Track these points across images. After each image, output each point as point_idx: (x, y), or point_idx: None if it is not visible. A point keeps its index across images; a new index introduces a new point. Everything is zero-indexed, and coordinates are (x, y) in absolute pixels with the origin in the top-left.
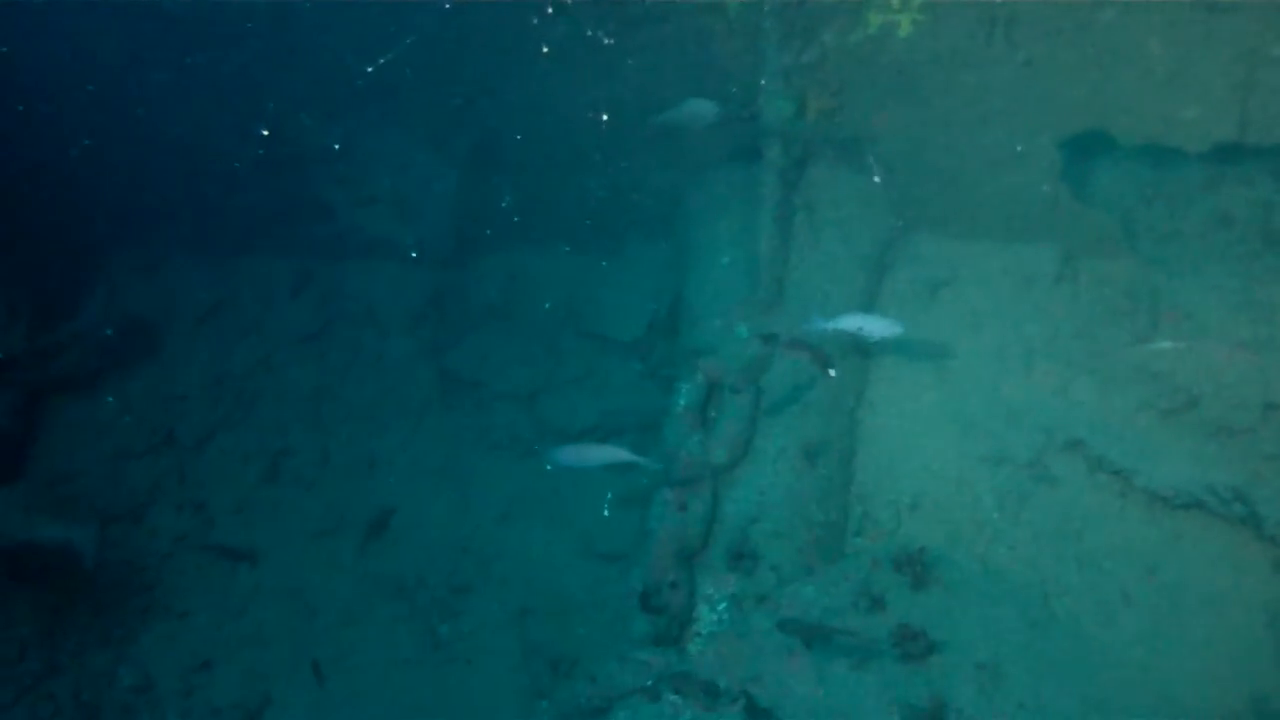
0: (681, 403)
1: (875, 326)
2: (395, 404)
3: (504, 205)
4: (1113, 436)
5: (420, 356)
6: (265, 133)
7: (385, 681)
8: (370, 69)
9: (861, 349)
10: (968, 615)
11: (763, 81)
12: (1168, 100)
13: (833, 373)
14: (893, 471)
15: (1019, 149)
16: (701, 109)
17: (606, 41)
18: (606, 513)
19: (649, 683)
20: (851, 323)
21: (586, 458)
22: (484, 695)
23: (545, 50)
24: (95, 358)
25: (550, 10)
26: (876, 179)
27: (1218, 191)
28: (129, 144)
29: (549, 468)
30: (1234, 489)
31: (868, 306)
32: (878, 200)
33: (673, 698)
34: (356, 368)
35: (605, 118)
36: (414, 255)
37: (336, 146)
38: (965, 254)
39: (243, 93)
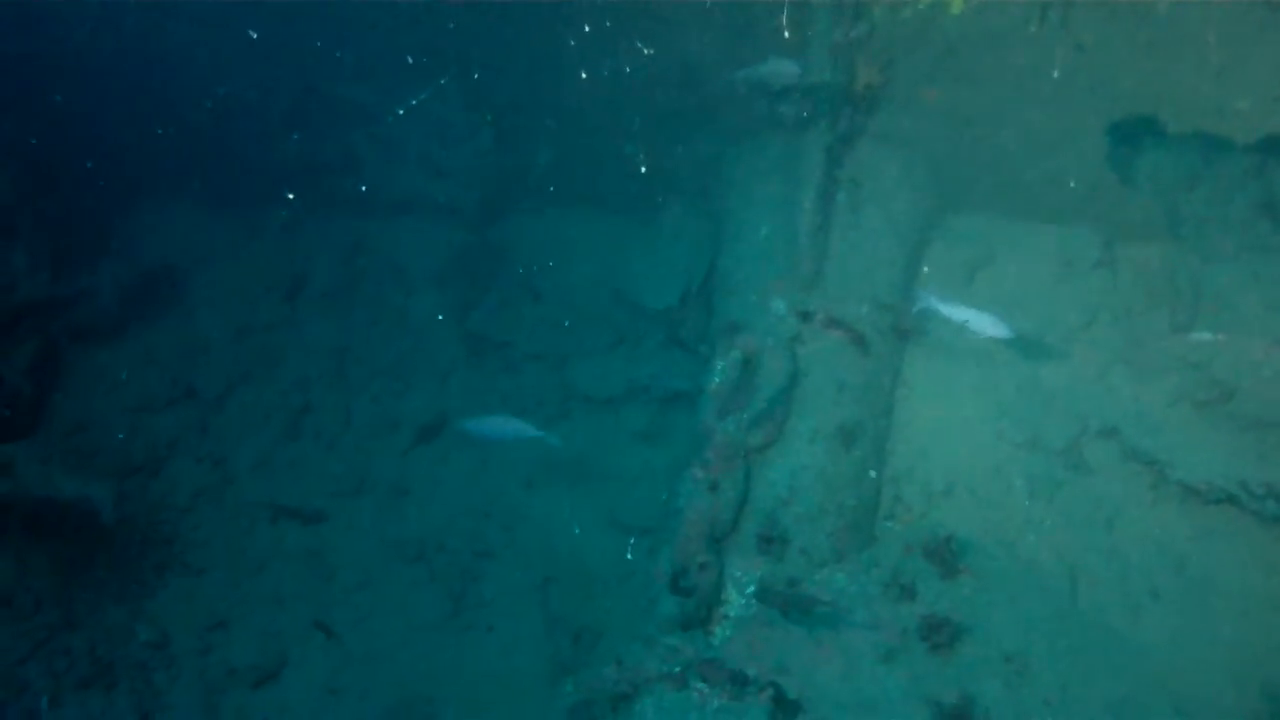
0: (716, 380)
1: (983, 323)
2: (420, 363)
3: (539, 166)
4: (1147, 426)
5: (447, 315)
6: (298, 86)
7: (404, 646)
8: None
9: (900, 330)
10: (996, 606)
11: (811, 55)
12: (1220, 91)
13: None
14: (926, 454)
15: (1065, 132)
16: (784, 68)
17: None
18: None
19: (676, 669)
20: (960, 313)
21: (493, 430)
22: (504, 664)
23: (586, 15)
24: (117, 307)
25: None
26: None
27: (1263, 180)
28: (157, 93)
29: (458, 436)
30: (1267, 486)
31: (908, 285)
32: (921, 178)
33: (700, 685)
34: (382, 325)
35: (645, 83)
36: (446, 213)
37: (370, 102)
38: (1005, 234)
39: (274, 45)
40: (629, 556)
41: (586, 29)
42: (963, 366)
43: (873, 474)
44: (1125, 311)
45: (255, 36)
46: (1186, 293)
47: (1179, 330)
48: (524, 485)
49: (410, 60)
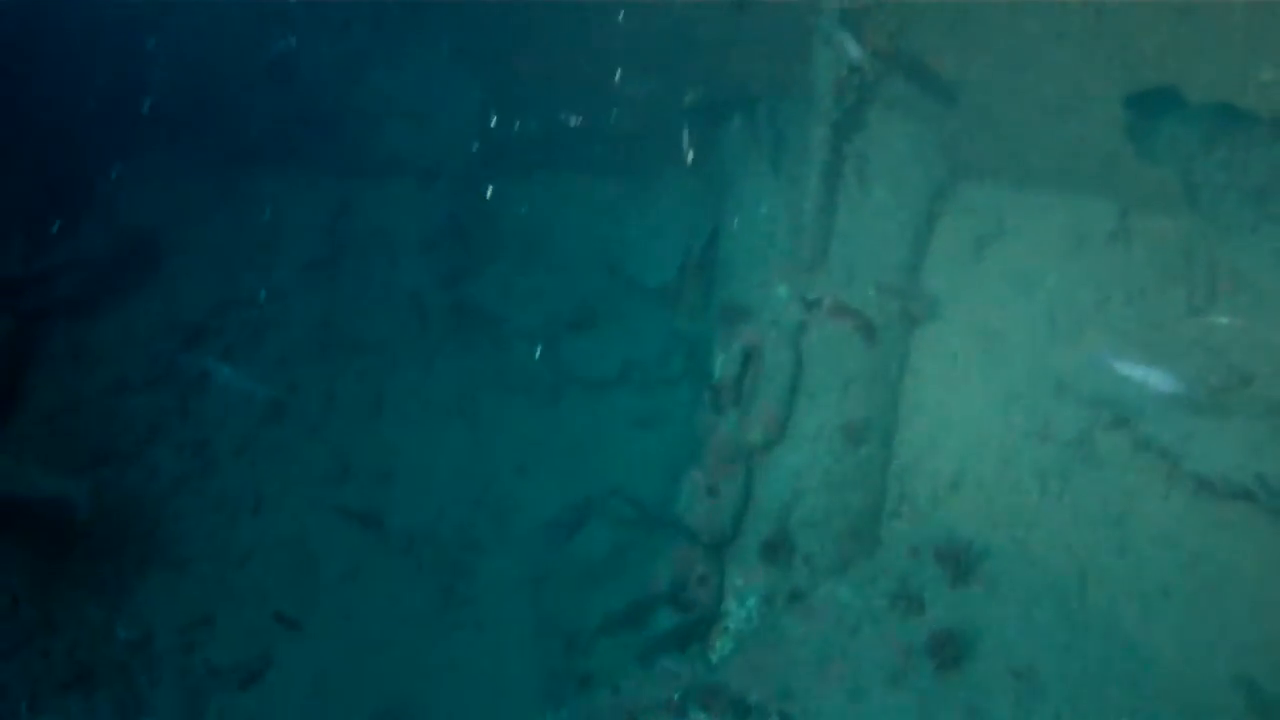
0: (716, 375)
1: (1159, 379)
2: (407, 338)
3: (531, 127)
4: (1161, 414)
5: (435, 286)
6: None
7: (391, 644)
8: None
9: (908, 315)
10: (1006, 614)
11: (818, 22)
12: (1245, 61)
13: None
14: (933, 447)
15: (1081, 101)
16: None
17: None
18: None
19: (675, 696)
20: (1136, 370)
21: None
22: (494, 665)
23: None
24: (94, 282)
25: None
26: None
27: None
28: (128, 50)
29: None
30: None
31: (916, 265)
32: (930, 151)
33: (699, 716)
34: (367, 297)
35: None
36: (433, 176)
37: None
38: (1016, 205)
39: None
40: (625, 552)
41: None
42: (971, 351)
43: (879, 474)
44: (1140, 291)
45: None
46: (1203, 271)
47: (1196, 312)
48: (516, 471)
49: (397, 13)
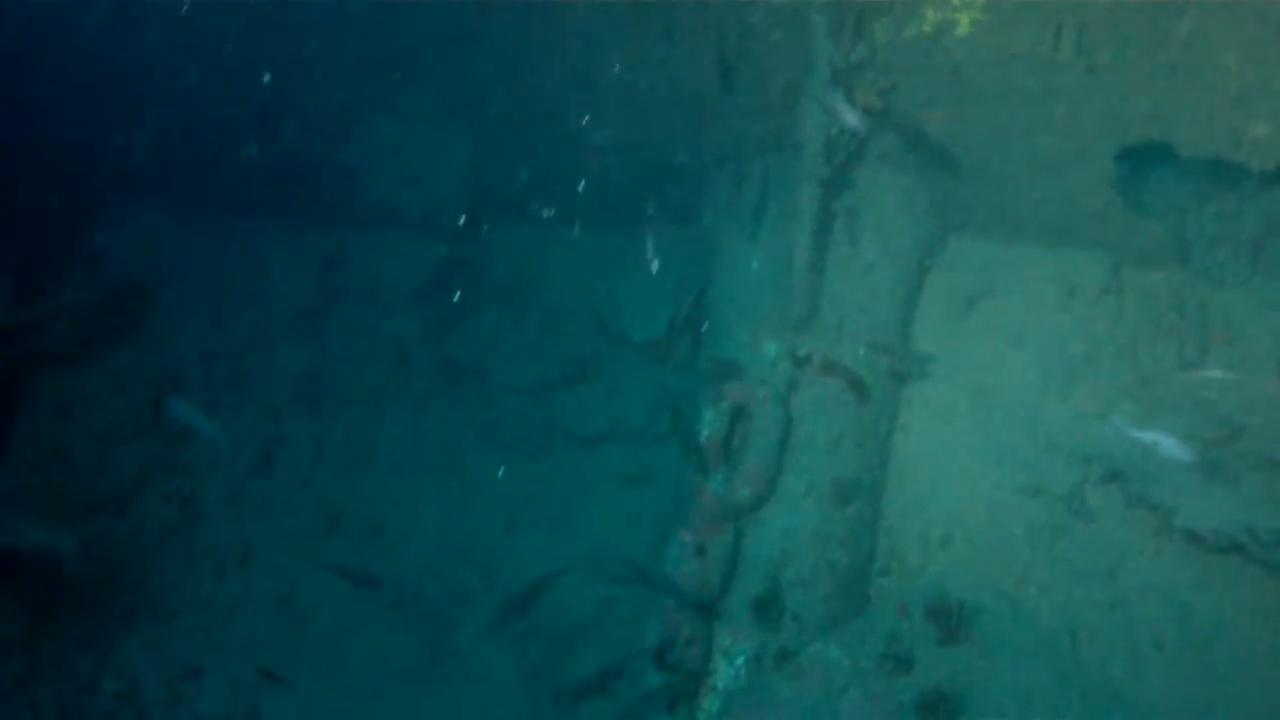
0: (704, 434)
1: (1174, 449)
2: (396, 391)
3: (519, 179)
4: (1153, 469)
5: (424, 339)
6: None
7: (379, 697)
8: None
9: (897, 373)
10: (997, 672)
11: (807, 80)
12: (1238, 116)
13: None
14: (923, 504)
15: (1074, 156)
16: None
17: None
18: None
19: None
20: (1148, 436)
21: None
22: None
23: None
24: (82, 331)
25: None
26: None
27: (1275, 194)
28: (117, 99)
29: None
30: (1276, 534)
31: (907, 321)
32: (921, 206)
33: None
34: (355, 349)
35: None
36: (423, 226)
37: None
38: (1007, 260)
39: (245, 50)
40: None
41: (573, 38)
42: (962, 407)
43: (868, 532)
44: (1131, 344)
45: (226, 40)
46: (1195, 324)
47: (1188, 367)
48: (504, 527)
49: (387, 67)
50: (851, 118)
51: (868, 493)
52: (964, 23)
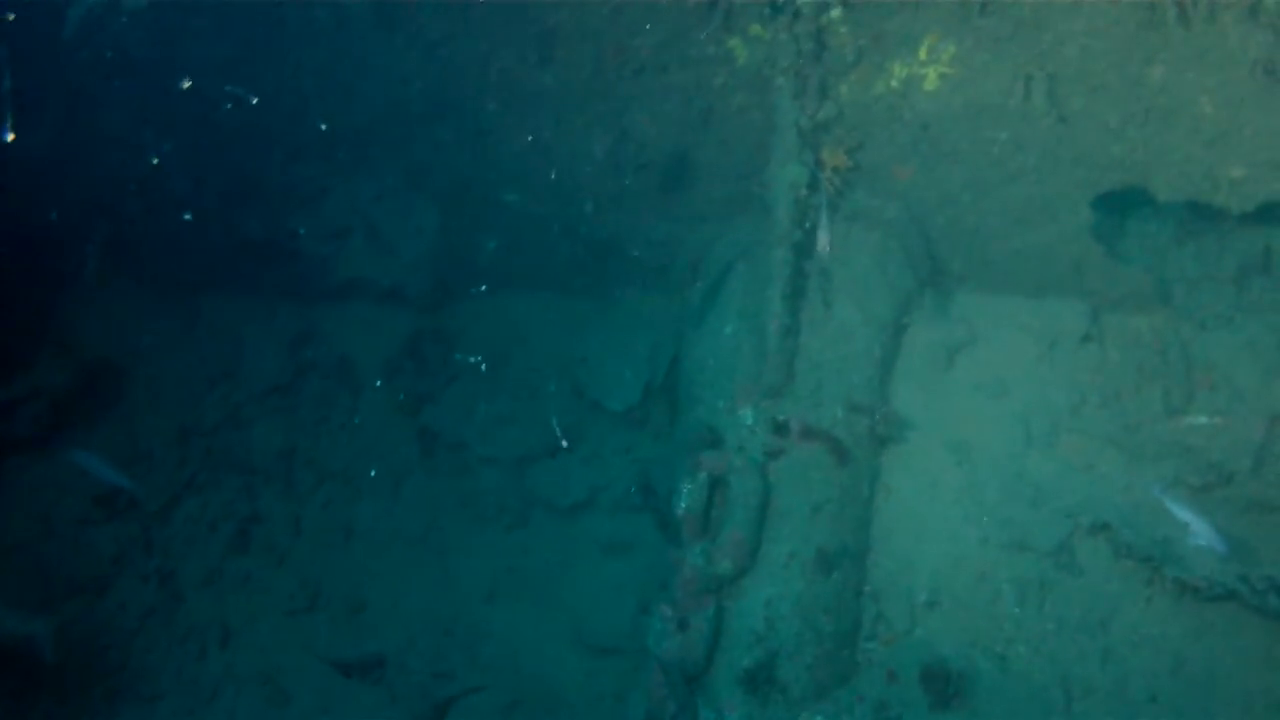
0: (682, 505)
1: (1203, 533)
2: (372, 466)
3: (489, 248)
4: (1141, 519)
5: (398, 412)
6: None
7: None
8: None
9: (877, 435)
10: None
11: (773, 141)
12: (1214, 159)
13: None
14: (909, 565)
15: (1048, 205)
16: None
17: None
18: None
19: None
20: (1184, 515)
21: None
22: None
23: (539, 95)
24: (54, 413)
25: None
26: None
27: (1258, 230)
28: (86, 177)
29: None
30: (1269, 579)
31: (885, 380)
32: (896, 262)
33: None
34: (330, 424)
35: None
36: (393, 298)
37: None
38: (986, 312)
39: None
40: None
41: (540, 109)
42: (944, 465)
43: (853, 597)
44: (1115, 393)
45: (189, 118)
46: (1179, 369)
47: (1173, 413)
48: (486, 599)
49: (352, 137)
50: (824, 242)
51: (851, 558)
52: (931, 77)
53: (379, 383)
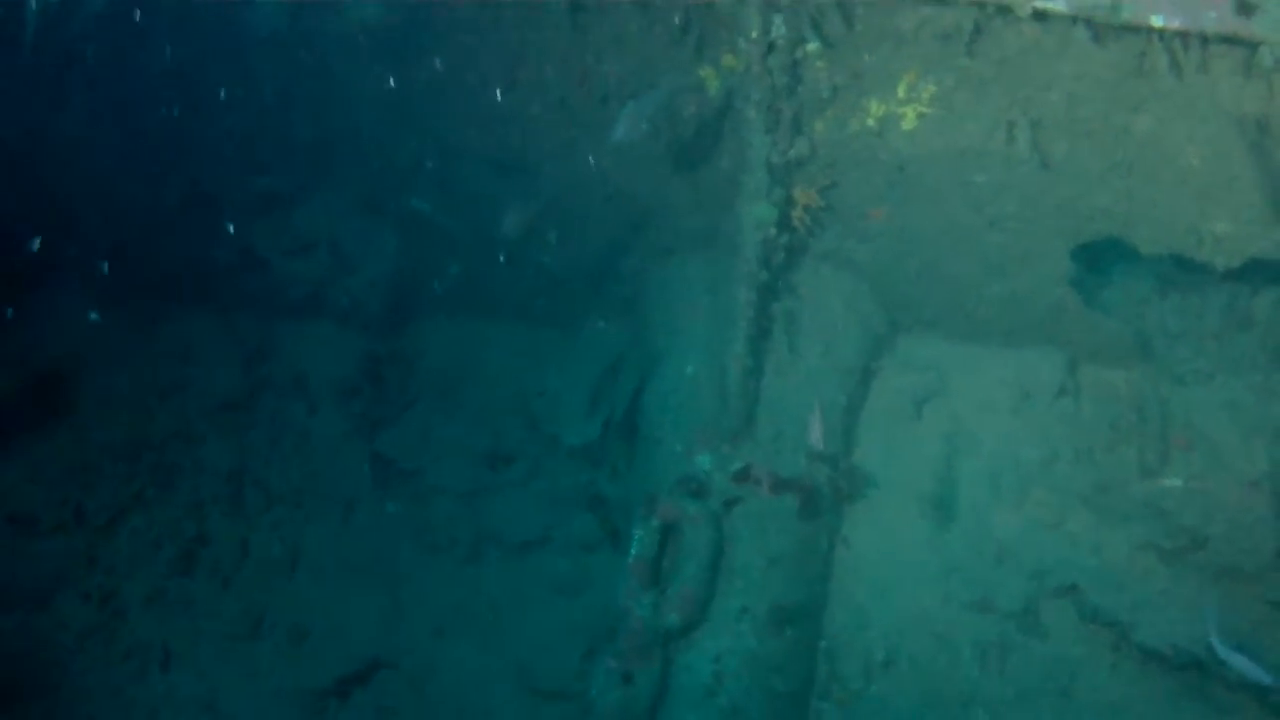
0: (632, 553)
1: (1248, 668)
2: (323, 490)
3: (449, 272)
4: (1109, 582)
5: (352, 435)
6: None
7: None
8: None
9: (838, 488)
10: None
11: (742, 178)
12: (1200, 213)
13: None
14: (866, 621)
15: (1027, 253)
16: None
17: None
18: None
19: None
20: (1236, 660)
21: None
22: None
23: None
24: (0, 421)
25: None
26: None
27: (1241, 287)
28: (38, 184)
29: None
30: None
31: (849, 429)
32: (865, 307)
33: None
34: (282, 445)
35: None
36: (351, 317)
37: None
38: (958, 360)
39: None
40: None
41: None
42: (908, 519)
43: (807, 654)
44: (1088, 449)
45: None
46: (1155, 427)
47: (1148, 474)
48: (435, 633)
49: (311, 157)
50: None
51: (807, 613)
52: (910, 117)
53: (334, 404)
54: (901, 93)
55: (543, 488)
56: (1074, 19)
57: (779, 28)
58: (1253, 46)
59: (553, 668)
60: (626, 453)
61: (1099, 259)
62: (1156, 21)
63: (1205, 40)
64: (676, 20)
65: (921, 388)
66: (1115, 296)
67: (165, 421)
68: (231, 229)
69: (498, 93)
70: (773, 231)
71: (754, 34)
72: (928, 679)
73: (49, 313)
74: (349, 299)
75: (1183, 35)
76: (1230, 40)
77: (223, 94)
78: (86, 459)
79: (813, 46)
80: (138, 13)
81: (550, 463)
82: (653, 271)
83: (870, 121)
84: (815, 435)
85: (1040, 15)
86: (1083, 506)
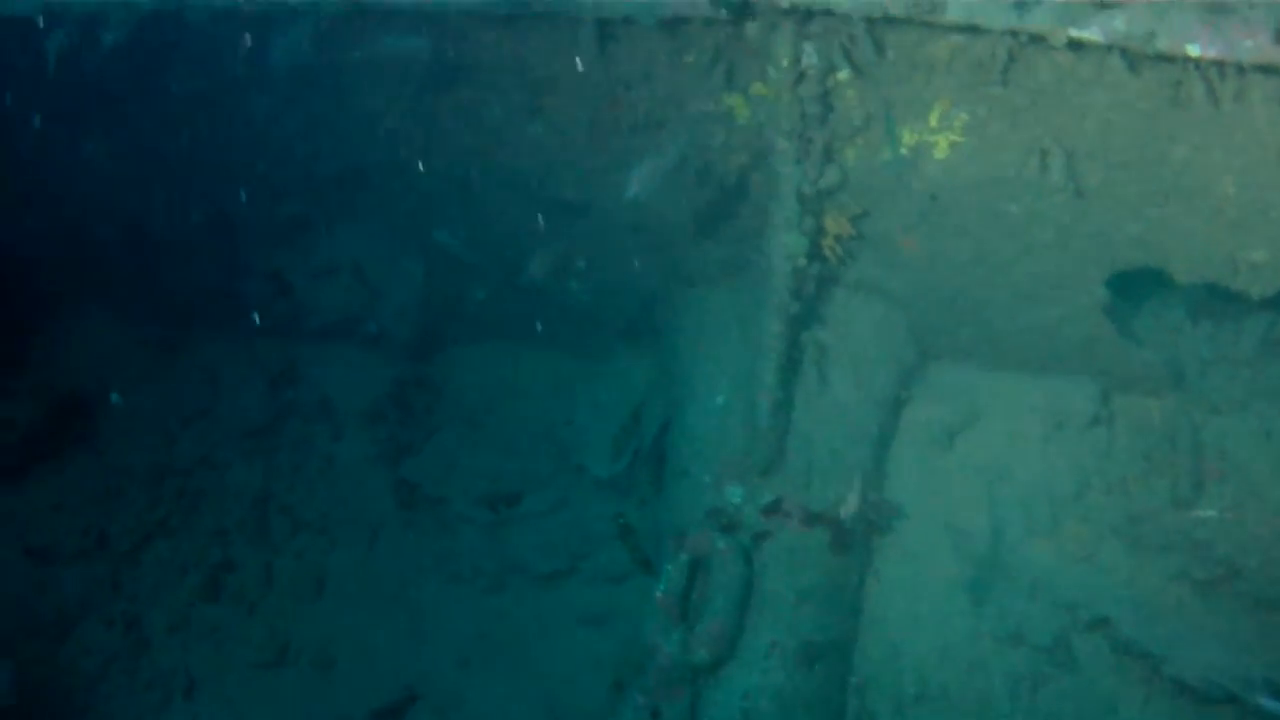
0: (661, 588)
1: None
2: (348, 517)
3: (475, 299)
4: (1142, 614)
5: (378, 462)
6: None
7: None
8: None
9: (869, 521)
10: None
11: (772, 207)
12: (1236, 242)
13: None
14: (897, 655)
15: (1061, 282)
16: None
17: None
18: None
19: None
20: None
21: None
22: None
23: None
24: (24, 446)
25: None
26: None
27: (1275, 316)
28: (64, 209)
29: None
30: (1271, 684)
31: (880, 460)
32: (897, 338)
33: None
34: (307, 470)
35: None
36: (378, 343)
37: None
38: (990, 389)
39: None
40: None
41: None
42: (938, 551)
43: (837, 691)
44: (1121, 480)
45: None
46: (1189, 457)
47: (1181, 504)
48: (459, 664)
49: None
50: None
51: (837, 649)
52: (942, 145)
53: (359, 430)
54: (934, 121)
55: (570, 518)
56: (1109, 48)
57: (810, 56)
58: None
59: (579, 701)
60: (654, 483)
61: (1132, 288)
62: (1193, 51)
63: (1242, 69)
64: (706, 48)
65: (953, 417)
66: (1148, 325)
67: (189, 447)
68: (257, 255)
69: (525, 122)
70: (803, 261)
71: (785, 62)
72: (959, 713)
73: (71, 337)
74: (377, 325)
75: (1219, 64)
76: (1267, 69)
77: (248, 122)
78: (110, 485)
79: (844, 74)
80: (160, 42)
81: (578, 493)
82: (682, 300)
83: (902, 150)
84: (851, 505)
85: (1075, 44)
86: (1115, 537)
